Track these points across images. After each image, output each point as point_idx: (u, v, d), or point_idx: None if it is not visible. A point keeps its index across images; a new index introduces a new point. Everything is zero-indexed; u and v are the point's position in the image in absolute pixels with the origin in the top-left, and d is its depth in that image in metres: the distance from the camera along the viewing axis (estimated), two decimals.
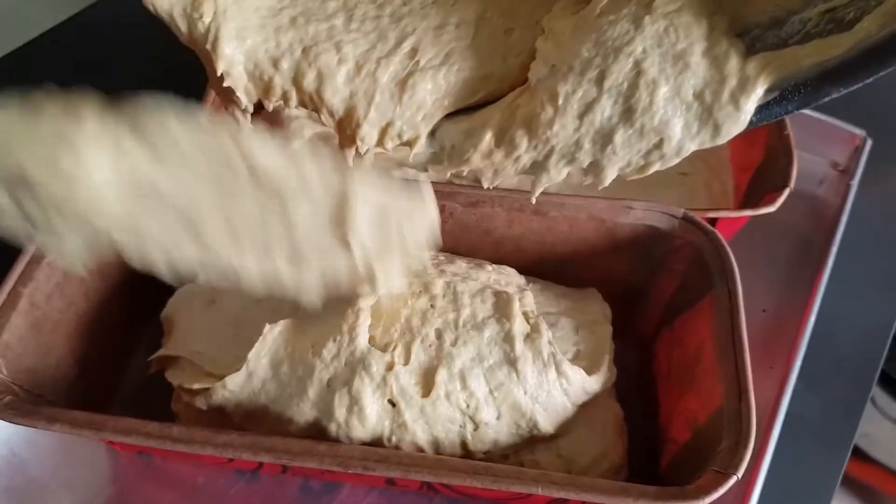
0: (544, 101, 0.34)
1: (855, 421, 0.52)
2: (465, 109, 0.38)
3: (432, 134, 0.38)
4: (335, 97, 0.36)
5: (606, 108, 0.33)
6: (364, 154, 0.38)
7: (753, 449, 0.44)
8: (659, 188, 0.57)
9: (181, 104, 0.31)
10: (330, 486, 0.46)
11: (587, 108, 0.33)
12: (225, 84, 0.37)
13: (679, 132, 0.32)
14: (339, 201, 0.35)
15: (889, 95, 0.76)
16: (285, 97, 0.37)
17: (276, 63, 0.37)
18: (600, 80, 0.32)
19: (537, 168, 0.36)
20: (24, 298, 0.41)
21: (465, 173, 0.38)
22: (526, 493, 0.36)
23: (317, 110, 0.37)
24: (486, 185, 0.38)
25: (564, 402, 0.41)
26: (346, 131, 0.37)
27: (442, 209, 0.47)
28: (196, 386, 0.41)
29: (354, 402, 0.38)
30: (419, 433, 0.39)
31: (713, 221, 0.49)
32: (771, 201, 0.49)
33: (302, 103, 0.38)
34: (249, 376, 0.40)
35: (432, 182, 0.48)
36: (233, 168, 0.32)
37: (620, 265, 0.48)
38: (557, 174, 0.36)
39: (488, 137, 0.36)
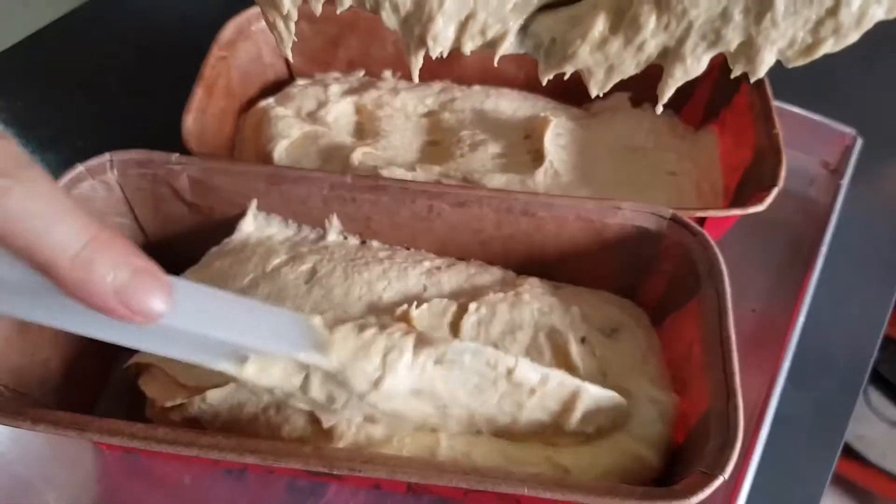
0: None
1: (844, 421, 0.52)
2: (563, 2, 0.31)
3: (524, 30, 0.31)
4: None
5: None
6: (436, 58, 0.31)
7: (741, 449, 0.45)
8: (648, 188, 0.57)
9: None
10: (317, 486, 0.46)
11: None
12: None
13: None
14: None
15: (879, 94, 0.76)
16: None
17: None
18: None
19: (669, 57, 0.29)
20: None
21: (566, 76, 0.31)
22: (513, 495, 0.36)
23: (376, 8, 0.31)
24: (594, 92, 0.31)
25: None
26: (413, 31, 0.31)
27: (429, 209, 0.47)
28: (168, 403, 0.41)
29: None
30: None
31: (702, 221, 0.49)
32: (760, 200, 0.49)
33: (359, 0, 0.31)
34: (237, 389, 0.40)
35: (420, 182, 0.48)
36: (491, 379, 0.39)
37: (609, 266, 0.48)
38: (696, 63, 0.29)
39: (601, 21, 0.28)
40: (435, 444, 0.40)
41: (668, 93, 0.29)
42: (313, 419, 0.40)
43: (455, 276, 0.48)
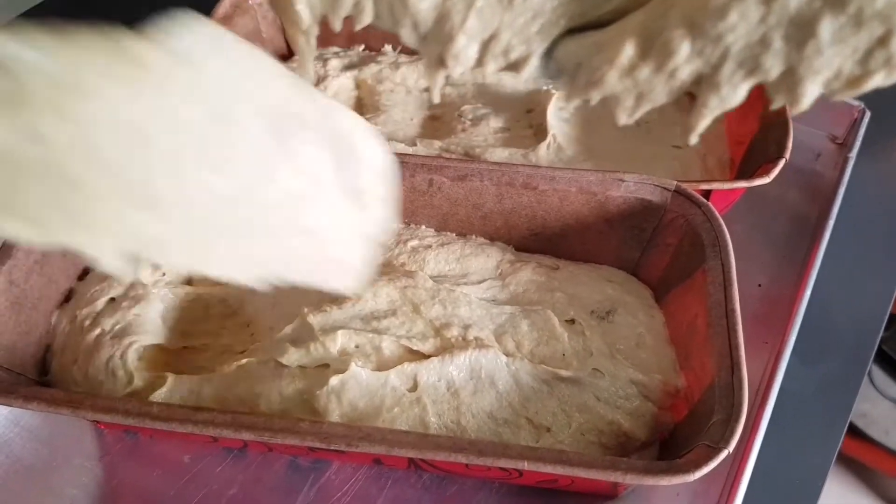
0: None
1: (851, 398, 0.52)
2: (595, 25, 0.29)
3: (548, 53, 0.29)
4: (423, 2, 0.28)
5: None
6: (457, 76, 0.31)
7: (746, 424, 0.44)
8: (652, 162, 0.56)
9: None
10: (318, 463, 0.46)
11: None
12: None
13: None
14: None
15: None
16: (358, 7, 0.29)
17: None
18: None
19: (703, 85, 0.27)
20: (2, 276, 0.40)
21: (593, 102, 0.29)
22: (514, 469, 0.36)
23: (396, 25, 0.29)
24: (622, 120, 0.29)
25: None
26: (433, 50, 0.29)
27: (430, 183, 0.47)
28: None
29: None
30: None
31: (707, 194, 0.48)
32: (766, 172, 0.48)
33: (378, 16, 0.29)
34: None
35: (420, 156, 0.47)
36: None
37: (612, 239, 0.48)
38: (733, 92, 0.26)
39: (630, 47, 0.26)
40: (424, 414, 0.39)
41: (702, 124, 0.27)
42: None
43: (444, 255, 0.47)
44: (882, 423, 1.25)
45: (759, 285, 0.56)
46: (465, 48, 0.28)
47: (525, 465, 0.34)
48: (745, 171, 0.53)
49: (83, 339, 0.43)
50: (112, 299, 0.45)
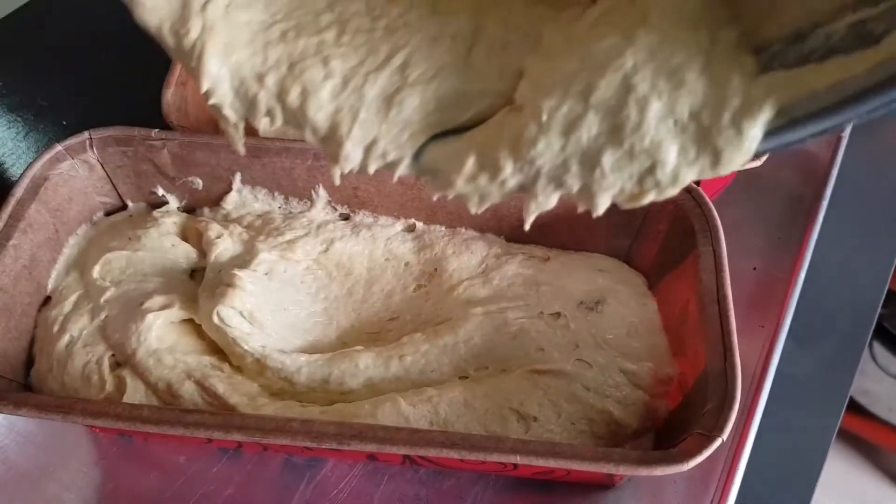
0: (528, 118, 0.31)
1: (848, 379, 0.52)
2: (456, 130, 0.35)
3: (416, 156, 0.35)
4: (319, 113, 0.34)
5: (593, 126, 0.30)
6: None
7: (742, 409, 0.44)
8: None
9: None
10: (313, 461, 0.46)
11: (572, 125, 0.30)
12: (210, 102, 0.35)
13: (674, 157, 0.29)
14: None
15: None
16: (270, 114, 0.35)
17: (261, 79, 0.34)
18: (586, 94, 0.30)
19: (525, 193, 0.33)
20: None
21: (449, 197, 0.38)
22: (508, 463, 0.36)
23: (301, 129, 0.35)
24: (473, 211, 0.34)
25: None
26: (330, 150, 0.35)
27: (416, 179, 0.46)
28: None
29: None
30: None
31: (697, 180, 0.47)
32: (757, 156, 0.47)
33: (287, 121, 0.35)
34: None
35: None
36: None
37: (602, 228, 0.47)
38: (546, 199, 0.33)
39: (471, 160, 0.33)
40: (405, 409, 0.39)
41: (529, 219, 0.33)
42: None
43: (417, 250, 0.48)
44: (886, 401, 1.26)
45: (754, 268, 0.56)
46: (351, 152, 0.34)
47: (518, 459, 0.33)
48: None
49: (55, 345, 0.43)
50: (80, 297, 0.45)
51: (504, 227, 0.49)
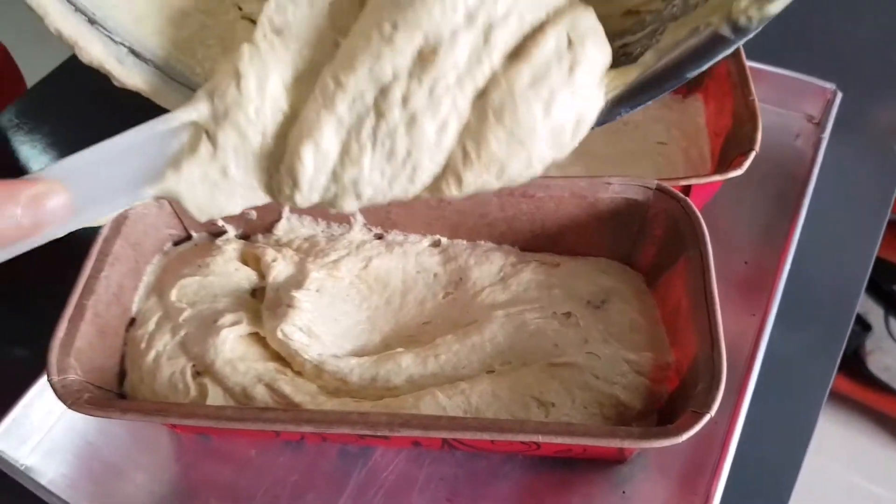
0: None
1: (833, 359, 0.57)
2: None
3: None
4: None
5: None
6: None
7: (732, 390, 0.51)
8: (639, 159, 0.62)
9: None
10: (365, 450, 0.53)
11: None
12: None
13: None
14: None
15: (856, 49, 0.81)
16: None
17: None
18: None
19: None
20: (88, 310, 0.48)
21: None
22: (532, 442, 0.42)
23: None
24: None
25: None
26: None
27: (439, 200, 0.53)
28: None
29: None
30: None
31: (688, 188, 0.54)
32: (738, 165, 0.54)
33: None
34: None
35: None
36: None
37: (605, 235, 0.54)
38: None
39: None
40: (443, 401, 0.46)
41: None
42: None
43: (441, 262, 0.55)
44: None
45: (746, 262, 0.62)
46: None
47: (539, 438, 0.40)
48: (724, 161, 0.59)
49: (143, 360, 0.50)
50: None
51: (518, 239, 0.56)
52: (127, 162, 0.34)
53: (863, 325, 1.30)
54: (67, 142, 0.78)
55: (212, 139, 0.34)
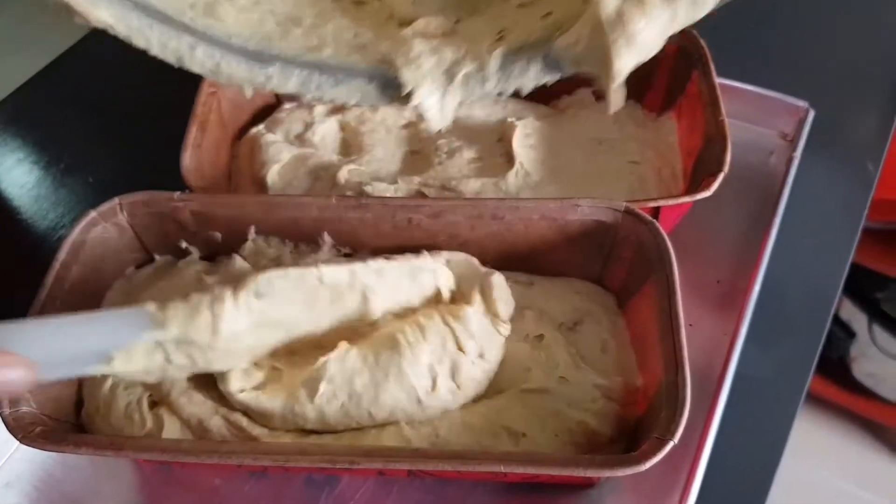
0: None
1: (804, 376, 0.57)
2: None
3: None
4: None
5: None
6: None
7: (700, 413, 0.50)
8: (613, 179, 0.61)
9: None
10: (331, 478, 0.52)
11: None
12: None
13: None
14: None
15: (829, 67, 0.81)
16: None
17: None
18: None
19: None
20: None
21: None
22: (496, 472, 0.42)
23: None
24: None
25: None
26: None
27: (409, 221, 0.52)
28: None
29: None
30: None
31: (657, 209, 0.53)
32: (707, 186, 0.53)
33: None
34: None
35: (399, 198, 0.53)
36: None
37: (575, 257, 0.53)
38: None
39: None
40: (407, 432, 0.45)
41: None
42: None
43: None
44: (891, 382, 1.30)
45: (718, 281, 0.61)
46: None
47: (502, 468, 0.40)
48: (695, 181, 0.58)
49: (100, 389, 0.49)
50: None
51: (490, 259, 0.55)
52: (84, 340, 0.41)
53: (847, 333, 1.31)
54: (41, 152, 0.78)
55: (166, 353, 0.43)
